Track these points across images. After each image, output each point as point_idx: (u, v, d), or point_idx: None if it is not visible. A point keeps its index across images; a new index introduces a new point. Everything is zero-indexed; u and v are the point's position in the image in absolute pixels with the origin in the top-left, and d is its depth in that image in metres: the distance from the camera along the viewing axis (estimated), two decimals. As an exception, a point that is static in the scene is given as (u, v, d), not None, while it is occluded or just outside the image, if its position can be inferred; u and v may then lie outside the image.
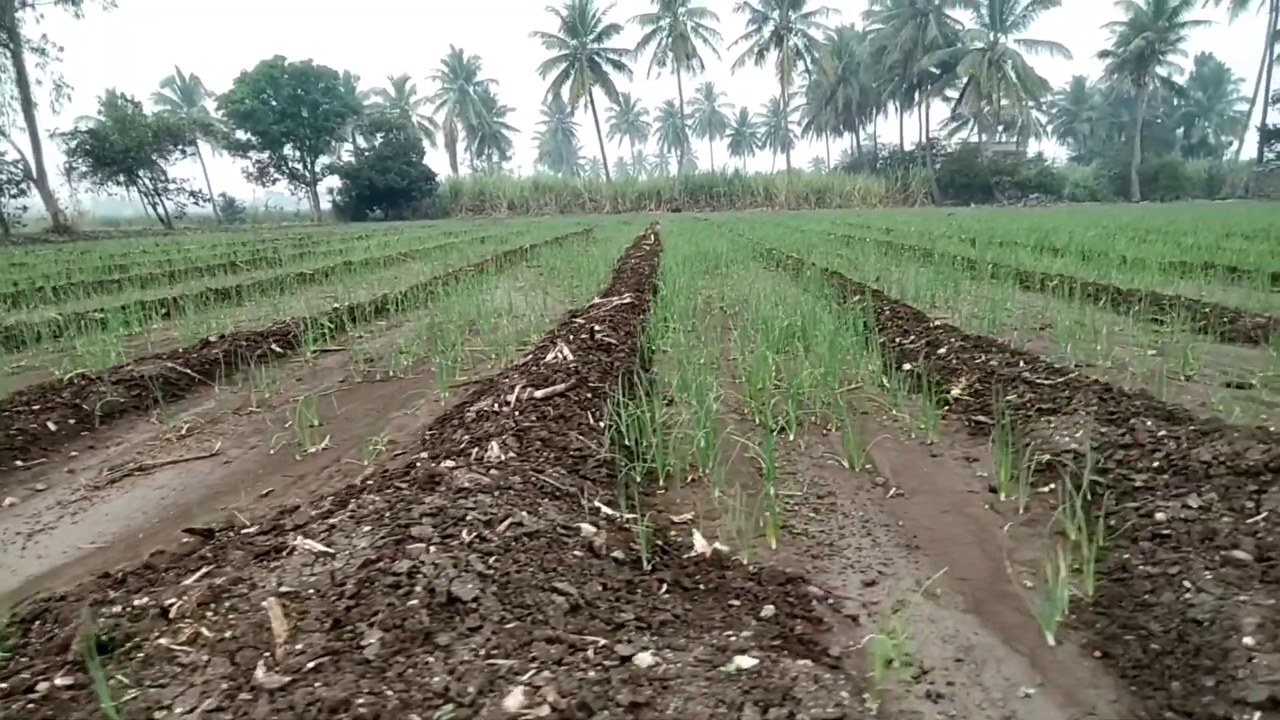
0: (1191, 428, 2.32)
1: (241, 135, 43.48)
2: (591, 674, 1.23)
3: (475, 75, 70.61)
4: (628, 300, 6.19)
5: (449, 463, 2.10)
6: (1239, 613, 1.37)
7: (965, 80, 52.35)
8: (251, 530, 1.86)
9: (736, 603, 1.62)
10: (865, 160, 65.17)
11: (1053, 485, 2.27)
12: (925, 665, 1.51)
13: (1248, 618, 1.34)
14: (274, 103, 42.70)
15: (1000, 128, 70.75)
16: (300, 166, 46.82)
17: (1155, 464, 2.15)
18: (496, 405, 2.79)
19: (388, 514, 1.72)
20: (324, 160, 48.16)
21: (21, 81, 26.69)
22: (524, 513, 1.78)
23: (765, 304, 5.91)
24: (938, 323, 4.59)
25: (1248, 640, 1.30)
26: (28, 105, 27.02)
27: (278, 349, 4.65)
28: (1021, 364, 3.43)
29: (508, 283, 8.77)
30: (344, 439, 2.98)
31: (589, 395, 2.99)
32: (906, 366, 3.85)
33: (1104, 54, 52.94)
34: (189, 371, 3.82)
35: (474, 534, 1.63)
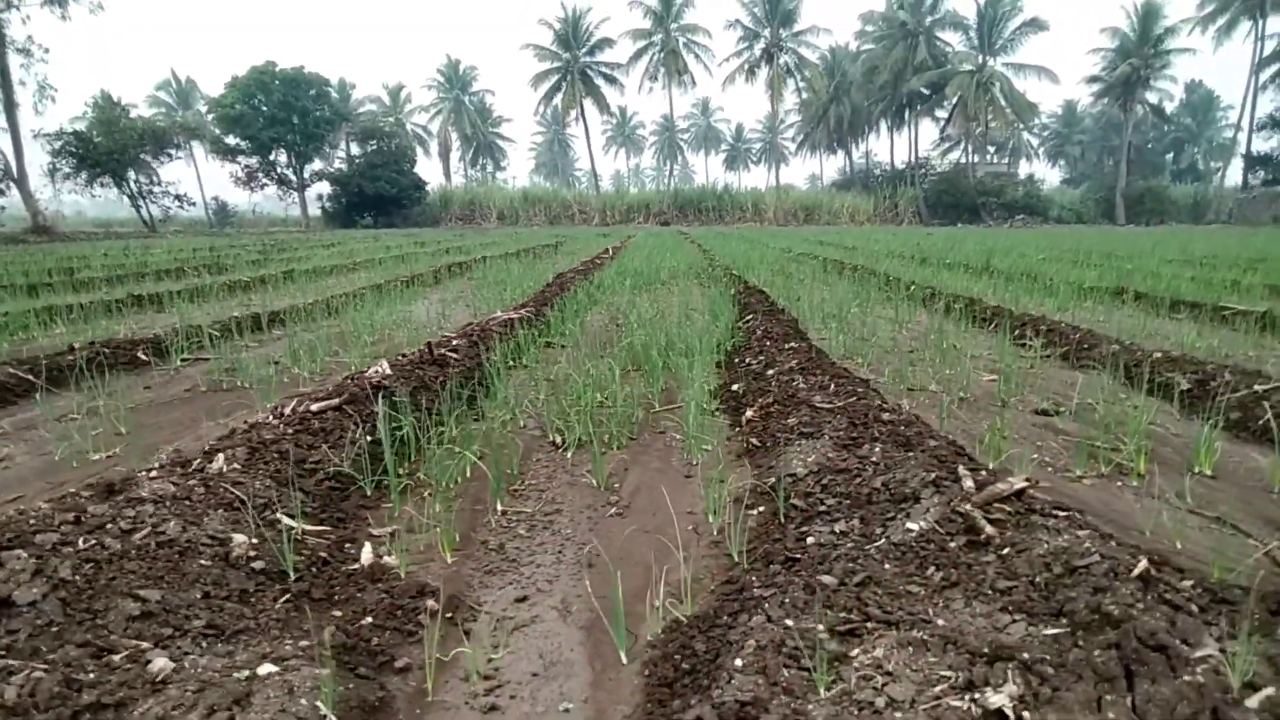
0: (910, 455, 2.39)
1: (231, 140, 43.66)
2: (90, 675, 1.29)
3: (471, 85, 70.98)
4: (526, 314, 6.27)
5: (156, 473, 2.15)
6: (755, 635, 1.43)
7: (953, 101, 52.80)
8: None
9: (339, 613, 1.68)
10: (857, 178, 65.55)
11: (762, 508, 2.33)
12: (505, 679, 1.57)
13: (755, 640, 1.40)
14: (264, 108, 42.92)
15: (992, 149, 71.23)
16: (290, 172, 47.00)
17: (849, 490, 2.21)
18: (271, 417, 2.84)
19: (34, 520, 1.77)
20: (314, 167, 48.37)
21: (5, 82, 26.86)
22: (174, 522, 1.84)
23: (658, 322, 5.99)
24: (793, 345, 4.64)
25: (738, 661, 1.35)
26: (10, 106, 27.18)
27: (144, 356, 4.70)
28: (833, 388, 3.49)
29: (436, 294, 8.84)
30: (138, 447, 3.03)
31: (374, 410, 3.04)
32: (735, 386, 3.92)
33: (1092, 79, 53.44)
34: (30, 377, 3.86)
35: (94, 541, 1.68)
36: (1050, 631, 1.28)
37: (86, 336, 5.31)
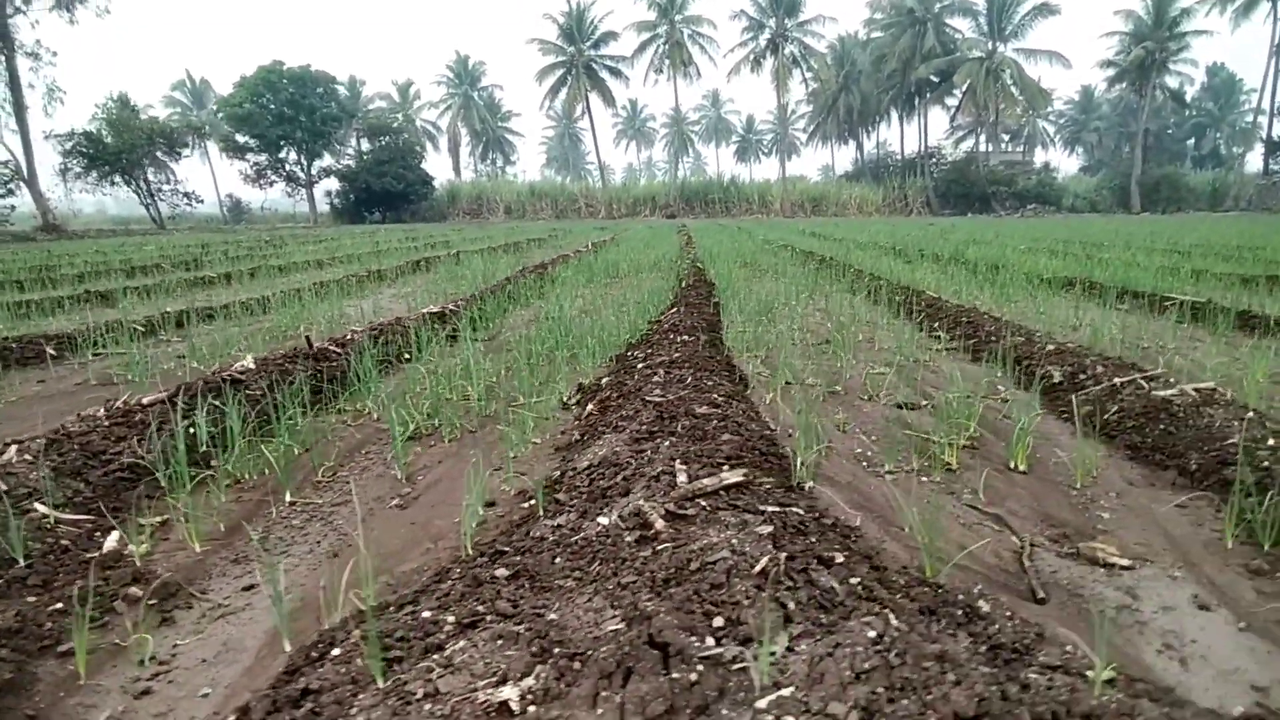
0: (693, 447, 2.39)
1: (240, 138, 44.14)
2: None
3: (480, 80, 71.09)
4: (455, 309, 6.31)
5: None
6: (374, 626, 1.45)
7: (963, 89, 52.10)
8: None
9: (35, 599, 1.72)
10: (868, 168, 64.90)
11: (534, 501, 2.35)
12: (178, 664, 1.62)
13: (360, 631, 1.42)
14: (271, 107, 43.31)
15: (1007, 137, 70.16)
16: (298, 169, 47.43)
17: (601, 485, 2.22)
18: (101, 410, 2.90)
19: None
20: (322, 163, 48.76)
21: (14, 84, 27.40)
22: (-98, 516, 1.89)
23: (582, 316, 6.03)
24: (686, 339, 4.64)
25: (336, 651, 1.38)
26: (19, 108, 27.73)
27: (53, 352, 4.79)
28: (689, 380, 3.49)
29: (390, 289, 8.92)
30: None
31: (214, 402, 3.09)
32: (604, 380, 3.93)
33: (1106, 64, 52.41)
34: (-83, 373, 3.96)
35: None
36: (613, 627, 1.29)
37: (17, 332, 5.43)
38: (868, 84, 59.23)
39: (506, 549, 1.85)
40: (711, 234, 22.00)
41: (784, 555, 1.49)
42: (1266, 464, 2.29)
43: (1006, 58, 50.73)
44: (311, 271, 10.99)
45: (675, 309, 6.11)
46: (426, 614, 1.51)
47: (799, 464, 2.63)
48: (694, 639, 1.16)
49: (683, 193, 54.08)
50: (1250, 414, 2.73)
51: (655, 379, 3.51)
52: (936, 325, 5.69)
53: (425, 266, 11.50)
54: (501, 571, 1.66)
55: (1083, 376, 3.62)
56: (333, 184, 48.98)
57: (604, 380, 3.91)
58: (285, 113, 43.24)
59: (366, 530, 2.26)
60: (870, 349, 5.00)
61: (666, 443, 2.49)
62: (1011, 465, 2.74)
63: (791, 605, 1.35)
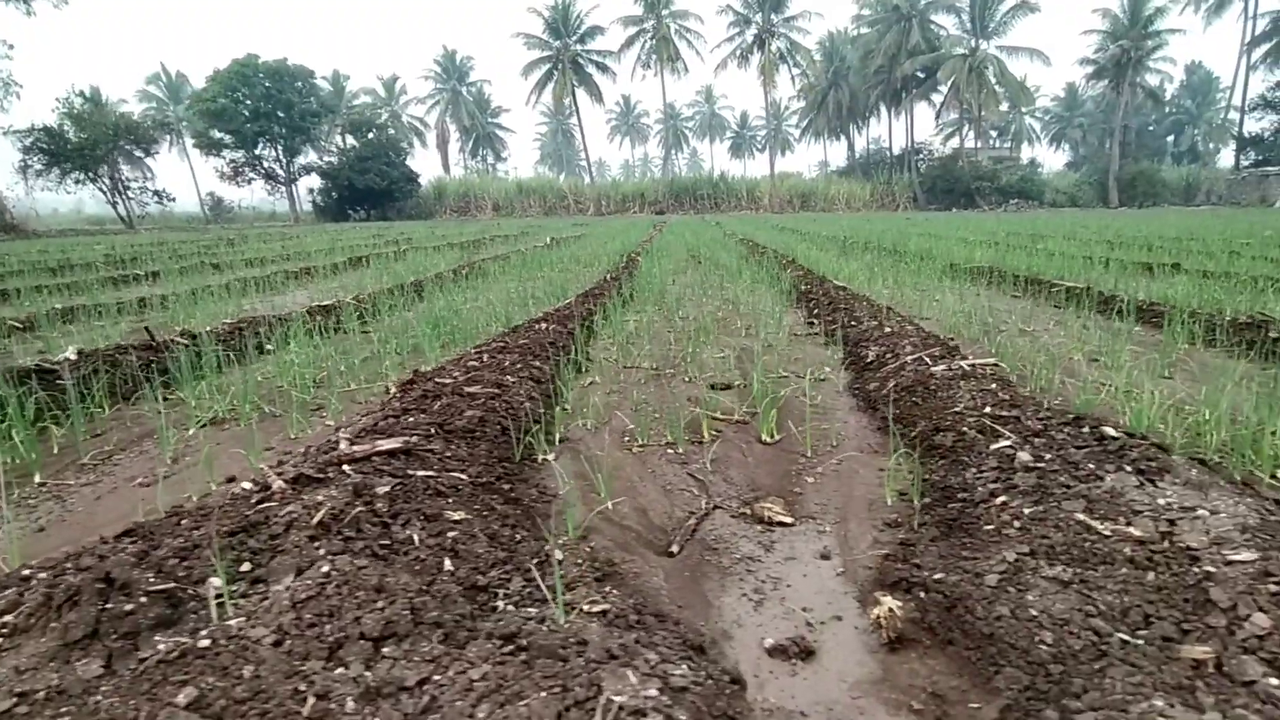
0: (428, 420, 2.49)
1: (215, 134, 43.86)
2: None
3: (468, 76, 71.10)
4: (343, 304, 6.41)
5: None
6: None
7: (947, 86, 52.29)
8: None
9: None
10: (859, 164, 65.06)
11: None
12: None
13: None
14: (247, 101, 43.08)
15: (994, 133, 70.36)
16: (277, 166, 47.29)
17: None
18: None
19: None
20: (303, 160, 48.60)
21: (-34, 79, 27.22)
22: None
23: (473, 311, 6.14)
24: (548, 326, 4.74)
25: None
26: (-28, 104, 27.52)
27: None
28: (506, 363, 3.59)
29: (312, 285, 9.02)
30: None
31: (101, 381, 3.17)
32: (447, 366, 4.02)
33: (1085, 61, 52.67)
34: None
35: None
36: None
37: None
38: (856, 80, 59.40)
39: (172, 515, 1.94)
40: (682, 230, 22.10)
41: (358, 510, 1.59)
42: (965, 429, 2.39)
43: (989, 54, 50.92)
44: (247, 269, 11.05)
45: (577, 300, 6.21)
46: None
47: (557, 435, 2.75)
48: (150, 575, 1.26)
49: (672, 189, 54.15)
50: (994, 385, 2.84)
51: (471, 363, 3.61)
52: (820, 311, 5.79)
53: (364, 263, 11.58)
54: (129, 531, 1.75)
55: (888, 355, 3.72)
56: (315, 181, 48.88)
57: (444, 367, 3.99)
58: (262, 108, 43.05)
59: (94, 505, 2.36)
60: (742, 335, 5.10)
61: (411, 419, 2.58)
62: (762, 437, 2.84)
63: (322, 551, 1.45)
